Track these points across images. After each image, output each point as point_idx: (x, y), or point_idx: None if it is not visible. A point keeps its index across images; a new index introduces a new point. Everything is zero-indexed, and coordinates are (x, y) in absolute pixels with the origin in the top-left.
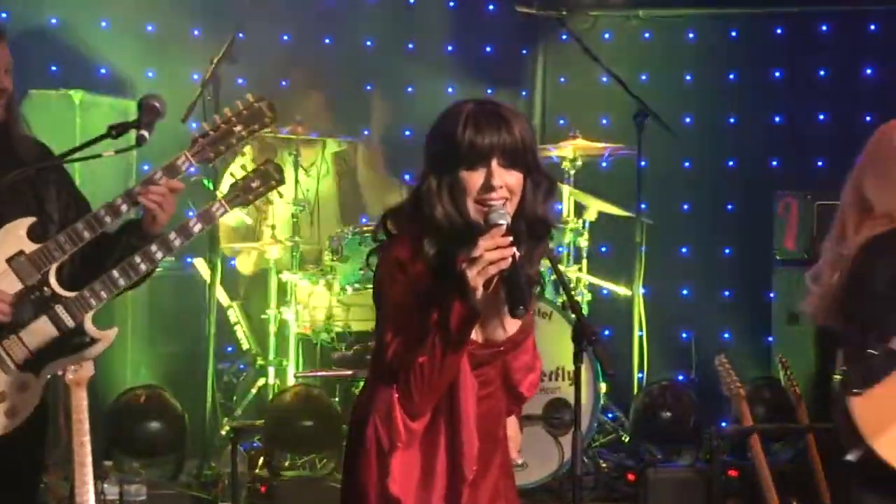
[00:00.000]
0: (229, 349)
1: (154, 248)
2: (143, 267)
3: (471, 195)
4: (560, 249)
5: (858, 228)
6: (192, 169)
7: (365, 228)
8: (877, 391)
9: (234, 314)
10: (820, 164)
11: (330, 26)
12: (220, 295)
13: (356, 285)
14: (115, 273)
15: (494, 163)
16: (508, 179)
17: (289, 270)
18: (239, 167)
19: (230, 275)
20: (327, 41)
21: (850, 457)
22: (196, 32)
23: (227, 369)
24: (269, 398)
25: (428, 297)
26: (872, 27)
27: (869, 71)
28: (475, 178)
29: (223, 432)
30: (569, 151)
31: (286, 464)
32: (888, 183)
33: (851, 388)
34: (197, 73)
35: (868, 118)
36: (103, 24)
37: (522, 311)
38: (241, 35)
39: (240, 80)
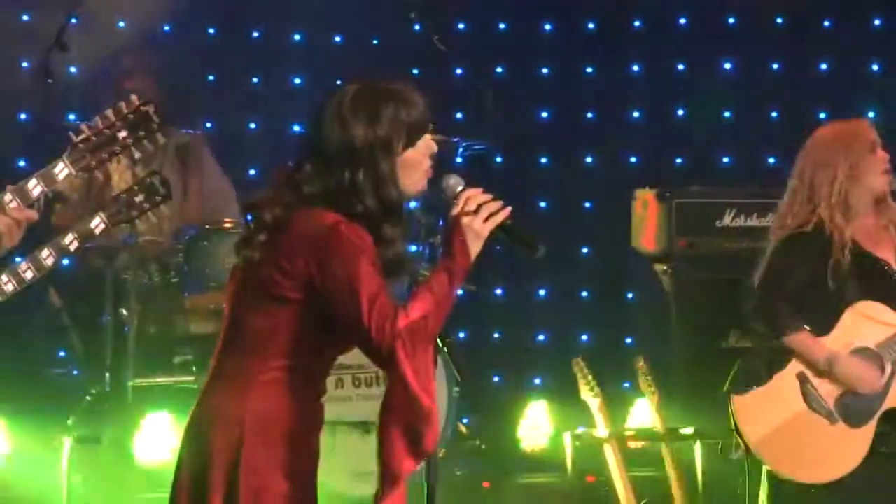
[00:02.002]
0: (61, 354)
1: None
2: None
3: (419, 168)
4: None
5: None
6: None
7: (208, 226)
8: (760, 392)
9: (67, 316)
10: (679, 160)
11: (170, 13)
12: (52, 296)
13: (199, 287)
14: None
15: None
16: (435, 149)
17: (126, 269)
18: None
19: (62, 275)
20: (167, 29)
21: (733, 456)
22: (25, 17)
23: (59, 375)
24: (104, 406)
25: (375, 257)
26: (731, 21)
27: (728, 66)
28: (420, 153)
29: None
30: None
31: None
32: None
33: (736, 387)
34: (26, 61)
35: (728, 114)
36: None
37: (543, 249)
38: (74, 20)
39: (73, 69)
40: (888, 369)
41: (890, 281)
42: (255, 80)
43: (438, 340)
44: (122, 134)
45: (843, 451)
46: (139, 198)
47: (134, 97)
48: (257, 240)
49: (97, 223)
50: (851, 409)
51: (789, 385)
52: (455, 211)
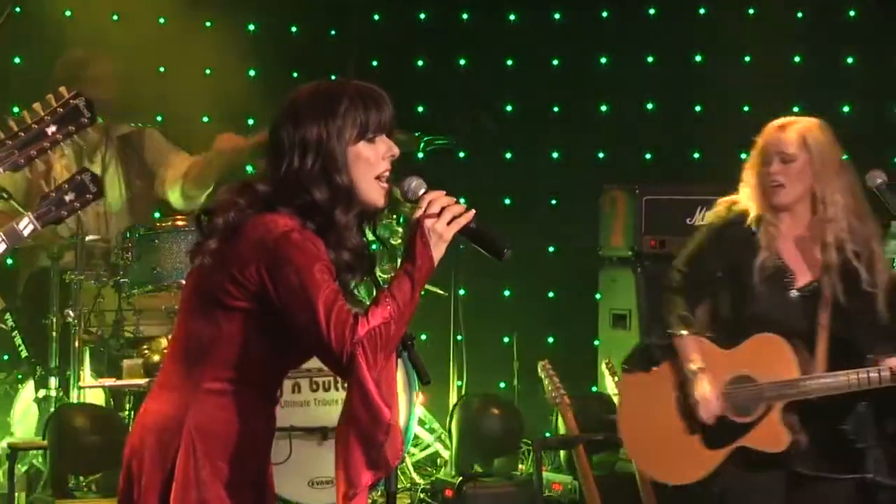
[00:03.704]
0: (5, 357)
1: None
2: None
3: (374, 168)
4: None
5: None
6: None
7: (159, 224)
8: (646, 376)
9: (11, 318)
10: (648, 156)
11: (117, 1)
12: None
13: (149, 287)
14: None
15: (385, 136)
16: (396, 152)
17: (72, 270)
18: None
19: (5, 275)
20: (115, 17)
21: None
22: None
23: (2, 380)
24: (50, 411)
25: (329, 262)
26: (702, 10)
27: (699, 58)
28: (376, 152)
29: None
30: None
31: (71, 484)
32: None
33: (631, 364)
34: None
35: (698, 108)
36: None
37: (509, 252)
38: (18, 9)
39: (17, 59)
40: (760, 410)
41: (787, 299)
42: (207, 71)
43: (401, 344)
44: (52, 129)
45: (692, 460)
46: (69, 196)
47: (63, 89)
48: (208, 246)
49: (25, 224)
50: (714, 428)
51: (671, 378)
52: (417, 214)
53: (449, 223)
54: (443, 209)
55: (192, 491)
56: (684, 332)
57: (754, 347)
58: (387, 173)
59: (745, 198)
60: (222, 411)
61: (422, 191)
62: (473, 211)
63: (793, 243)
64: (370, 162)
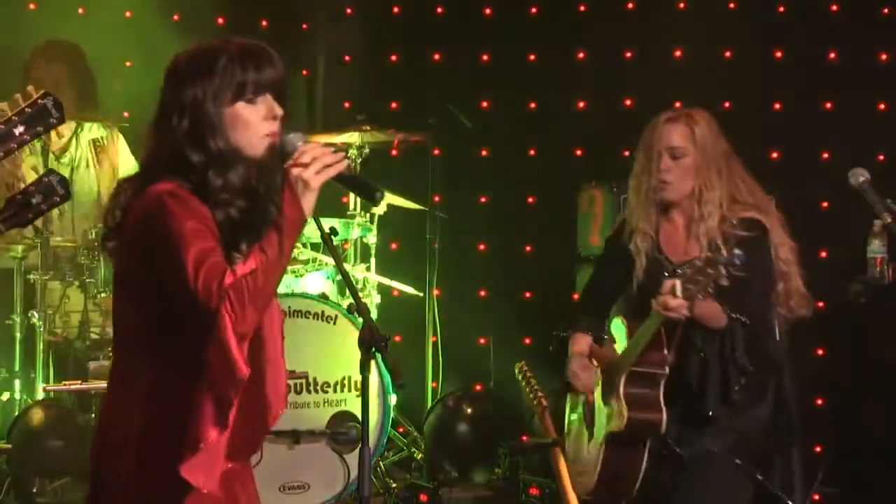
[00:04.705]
0: None
1: None
2: None
3: (254, 130)
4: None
5: None
6: None
7: None
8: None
9: None
10: (626, 153)
11: None
12: None
13: None
14: None
15: (271, 96)
16: (279, 112)
17: (37, 270)
18: None
19: None
20: (80, 10)
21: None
22: None
23: None
24: (14, 415)
25: (207, 220)
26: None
27: (678, 54)
28: (257, 112)
29: None
30: (354, 139)
31: (34, 490)
32: None
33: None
34: None
35: (678, 105)
36: None
37: (381, 195)
38: None
39: None
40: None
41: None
42: None
43: (373, 346)
44: (19, 129)
45: (585, 471)
46: (36, 199)
47: (31, 88)
48: (107, 244)
49: None
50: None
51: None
52: (287, 164)
53: (318, 172)
54: (313, 159)
55: (140, 483)
56: (578, 331)
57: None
58: (268, 130)
59: (632, 201)
60: (160, 401)
61: (299, 143)
62: (345, 161)
63: (676, 237)
64: (249, 123)
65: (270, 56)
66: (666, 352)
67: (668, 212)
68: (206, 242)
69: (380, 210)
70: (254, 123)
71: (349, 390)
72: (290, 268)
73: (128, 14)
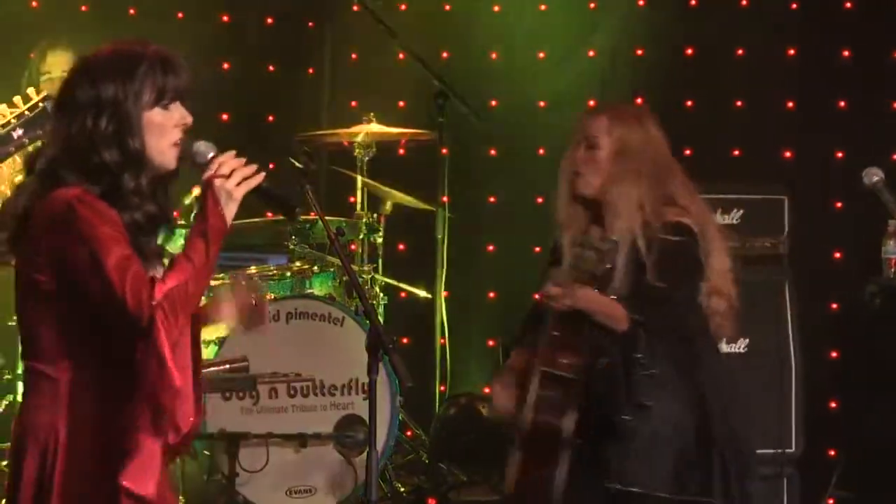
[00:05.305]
0: None
1: None
2: None
3: (166, 135)
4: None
5: None
6: None
7: None
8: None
9: None
10: None
11: None
12: None
13: None
14: None
15: (181, 104)
16: (190, 120)
17: None
18: None
19: None
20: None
21: None
22: None
23: None
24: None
25: (119, 225)
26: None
27: (689, 51)
28: (170, 118)
29: None
30: (361, 137)
31: None
32: None
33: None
34: None
35: (689, 103)
36: None
37: (300, 210)
38: None
39: None
40: None
41: None
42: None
43: (381, 348)
44: (18, 133)
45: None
46: None
47: (31, 91)
48: (4, 238)
49: None
50: None
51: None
52: (207, 175)
53: (239, 184)
54: (232, 171)
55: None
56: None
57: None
58: (178, 138)
59: (558, 194)
60: (79, 410)
61: (210, 154)
62: (263, 173)
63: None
64: (163, 128)
65: (183, 64)
66: (574, 355)
67: (598, 209)
68: (123, 249)
69: (387, 211)
70: (167, 130)
71: (356, 393)
72: (295, 269)
73: (131, 11)
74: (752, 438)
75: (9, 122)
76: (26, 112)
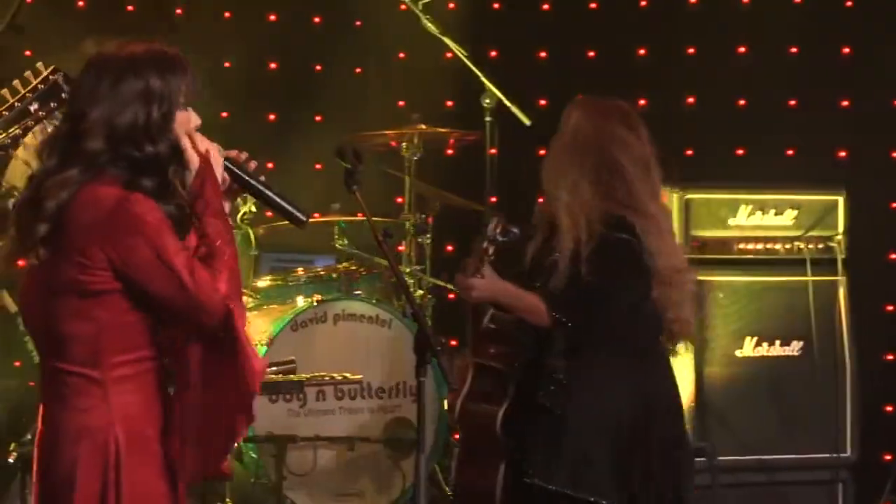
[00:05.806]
0: (17, 364)
1: None
2: None
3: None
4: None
5: None
6: None
7: None
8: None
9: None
10: (690, 153)
11: None
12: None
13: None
14: None
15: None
16: (199, 122)
17: None
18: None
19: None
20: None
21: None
22: None
23: (14, 387)
24: None
25: (168, 222)
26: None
27: (742, 50)
28: (188, 120)
29: (10, 460)
30: (410, 137)
31: None
32: None
33: None
34: None
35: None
36: None
37: (306, 222)
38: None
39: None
40: None
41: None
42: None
43: (429, 350)
44: (34, 106)
45: None
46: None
47: (40, 65)
48: (38, 233)
49: None
50: None
51: None
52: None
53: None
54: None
55: (135, 487)
56: None
57: None
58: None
59: None
60: (135, 404)
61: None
62: (245, 154)
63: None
64: (186, 128)
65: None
66: (504, 346)
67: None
68: (182, 247)
69: (435, 212)
70: (187, 129)
71: (404, 396)
72: (343, 269)
73: (178, 11)
74: (690, 447)
75: (24, 97)
76: (39, 85)
